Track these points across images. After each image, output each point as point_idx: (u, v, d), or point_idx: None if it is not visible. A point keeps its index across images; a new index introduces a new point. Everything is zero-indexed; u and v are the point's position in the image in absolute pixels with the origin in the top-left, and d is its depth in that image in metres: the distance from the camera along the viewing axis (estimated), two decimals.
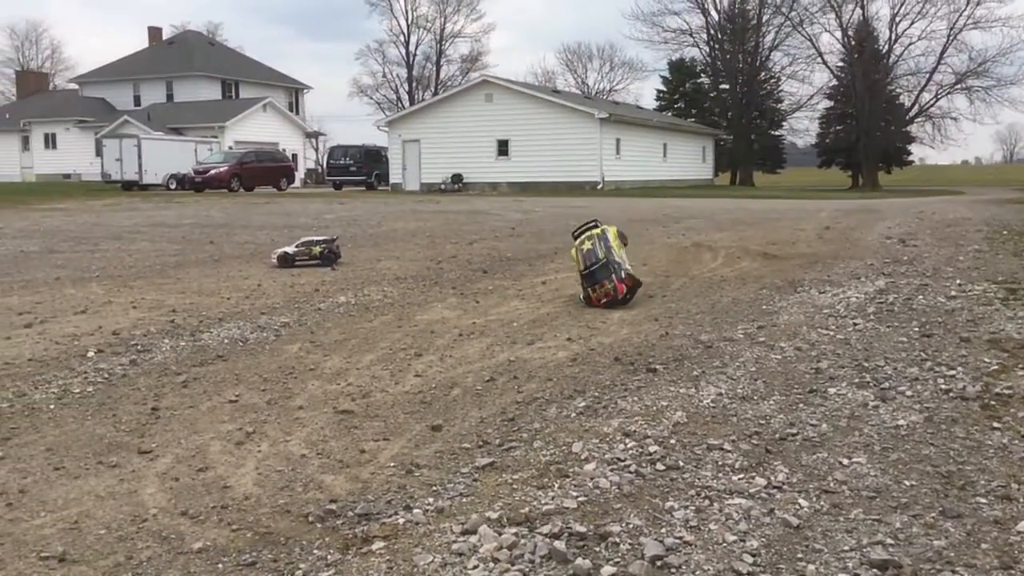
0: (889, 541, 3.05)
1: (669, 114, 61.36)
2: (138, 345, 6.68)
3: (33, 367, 6.05)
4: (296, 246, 11.66)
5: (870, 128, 52.61)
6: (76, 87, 65.10)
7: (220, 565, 3.07)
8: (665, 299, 8.34)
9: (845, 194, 39.43)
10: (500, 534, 3.17)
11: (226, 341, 6.85)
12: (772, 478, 3.65)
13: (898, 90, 57.13)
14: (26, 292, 9.43)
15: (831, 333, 6.47)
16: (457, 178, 41.23)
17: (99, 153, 45.69)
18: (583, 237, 8.01)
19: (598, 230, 8.00)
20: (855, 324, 6.76)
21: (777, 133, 64.98)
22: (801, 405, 4.70)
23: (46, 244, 14.49)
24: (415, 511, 3.46)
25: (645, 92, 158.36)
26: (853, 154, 55.58)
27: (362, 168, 45.16)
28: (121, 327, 7.35)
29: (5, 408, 5.10)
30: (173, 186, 39.81)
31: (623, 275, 7.75)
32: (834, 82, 58.40)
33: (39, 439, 4.56)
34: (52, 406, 5.15)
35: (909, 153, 61.12)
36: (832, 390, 4.94)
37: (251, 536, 3.32)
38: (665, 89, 66.89)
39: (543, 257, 12.13)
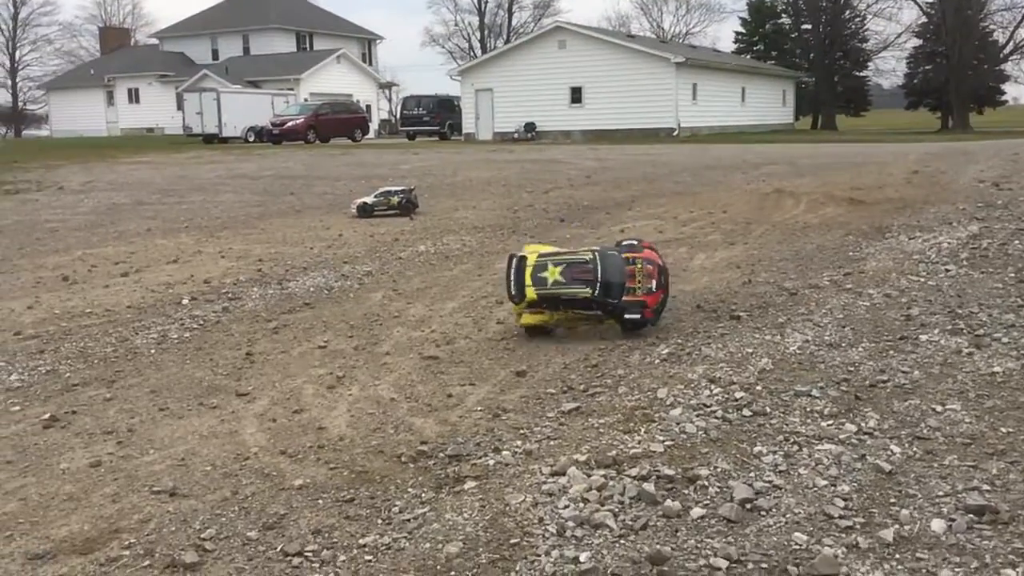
0: (985, 487, 3.00)
1: (748, 57, 59.59)
2: (229, 293, 6.91)
3: (132, 314, 6.32)
4: (375, 196, 11.81)
5: (961, 67, 50.28)
6: (156, 42, 66.39)
7: (320, 501, 3.20)
8: (747, 246, 8.22)
9: (934, 136, 37.94)
10: (589, 476, 3.22)
11: (312, 289, 7.02)
12: (863, 424, 3.61)
13: (992, 26, 54.30)
14: (120, 243, 9.80)
15: (922, 279, 6.30)
16: (530, 127, 40.97)
17: (180, 107, 46.66)
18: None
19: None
20: (947, 270, 6.57)
21: (862, 74, 62.55)
22: (891, 352, 4.61)
23: (135, 196, 14.97)
24: (504, 453, 3.54)
25: (723, 35, 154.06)
26: (942, 95, 53.26)
27: (435, 118, 45.18)
28: (212, 276, 7.59)
29: (109, 352, 5.35)
30: (251, 139, 40.51)
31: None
32: (923, 19, 55.81)
33: (142, 382, 4.78)
34: (153, 351, 5.38)
35: (1003, 93, 58.29)
36: (924, 337, 4.83)
37: (348, 474, 3.44)
38: (744, 31, 64.86)
39: (620, 205, 12.03)
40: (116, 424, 4.12)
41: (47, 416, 4.21)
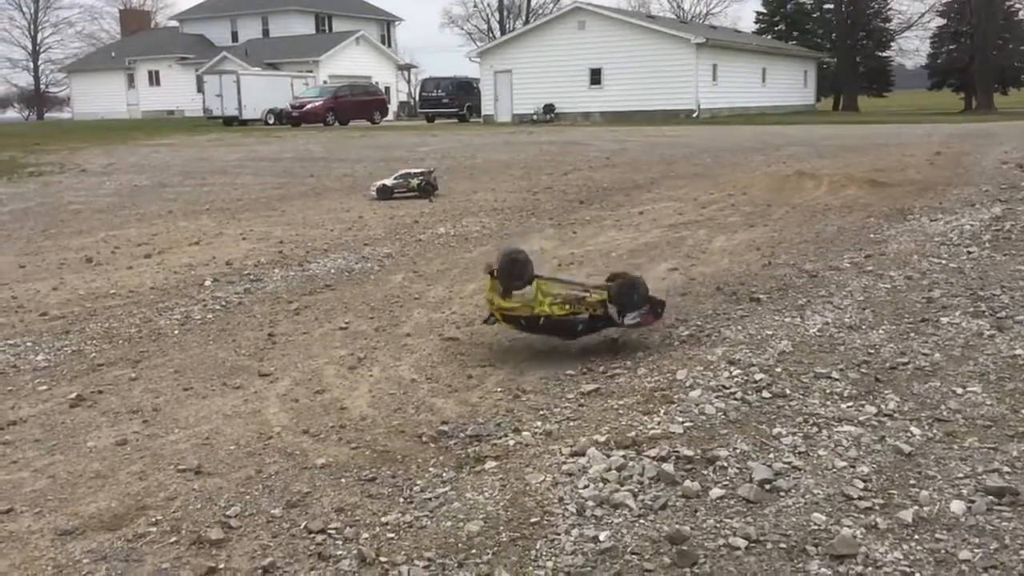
0: (1006, 469, 3.00)
1: (769, 37, 58.97)
2: (251, 275, 6.96)
3: (155, 295, 6.39)
4: (394, 178, 11.83)
5: (986, 47, 49.54)
6: (176, 24, 66.56)
7: (343, 480, 3.24)
8: (767, 228, 8.18)
9: (957, 117, 37.49)
10: (608, 456, 3.24)
11: (333, 271, 7.07)
12: (883, 406, 3.61)
13: (1017, 5, 53.40)
14: (143, 225, 9.88)
15: (943, 262, 6.26)
16: (549, 108, 40.81)
17: (200, 89, 46.87)
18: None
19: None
20: (969, 252, 6.52)
21: (884, 54, 61.74)
22: (912, 334, 4.60)
23: (156, 179, 15.07)
24: (524, 433, 3.57)
25: (744, 15, 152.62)
26: (967, 75, 52.54)
27: (454, 100, 45.08)
28: (233, 258, 7.65)
29: (134, 333, 5.42)
30: (271, 121, 40.63)
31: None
32: None
33: (167, 362, 4.84)
34: (176, 331, 5.45)
35: None
36: (945, 319, 4.81)
37: (370, 454, 3.49)
38: (765, 11, 64.12)
39: (639, 187, 12.00)
40: (141, 403, 4.18)
41: (74, 395, 4.28)
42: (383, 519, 2.89)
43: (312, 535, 2.81)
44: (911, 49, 65.65)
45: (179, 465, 3.42)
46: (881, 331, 4.68)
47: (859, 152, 16.29)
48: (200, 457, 3.48)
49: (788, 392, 3.83)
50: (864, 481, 2.96)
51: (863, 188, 10.70)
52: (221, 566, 2.65)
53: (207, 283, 6.69)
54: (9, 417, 4.04)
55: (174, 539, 2.83)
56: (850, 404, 3.66)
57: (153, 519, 2.97)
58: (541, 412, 3.82)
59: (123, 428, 3.86)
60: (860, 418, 3.50)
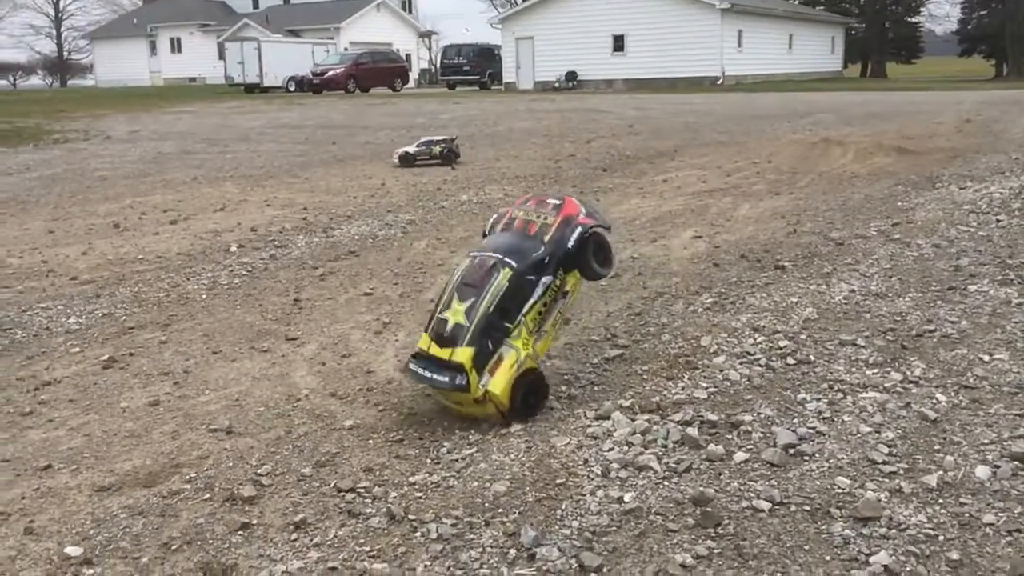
0: None
1: (796, 2, 58.05)
2: (275, 241, 7.01)
3: (182, 260, 6.46)
4: (416, 146, 11.83)
5: (1018, 11, 48.54)
6: None
7: (371, 441, 3.30)
8: (793, 196, 8.13)
9: (988, 84, 36.84)
10: (633, 420, 3.27)
11: (356, 237, 7.11)
12: (908, 373, 3.61)
13: None
14: (168, 191, 9.96)
15: (972, 230, 6.20)
16: (571, 76, 40.48)
17: (222, 56, 46.76)
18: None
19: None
20: (998, 220, 6.46)
21: (913, 20, 60.66)
22: (939, 302, 4.58)
23: (180, 145, 15.14)
24: (548, 397, 3.60)
25: None
26: (998, 41, 51.55)
27: (475, 67, 44.77)
28: (258, 224, 7.70)
29: (163, 297, 5.49)
30: (292, 88, 40.58)
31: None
32: None
33: (195, 326, 4.91)
34: (204, 296, 5.51)
35: None
36: (972, 287, 4.78)
37: (396, 416, 3.54)
38: None
39: (663, 155, 11.93)
40: (172, 366, 4.25)
41: (106, 357, 4.36)
42: (411, 479, 2.94)
43: (342, 493, 2.86)
44: (941, 15, 64.69)
45: (210, 425, 3.49)
46: (908, 299, 4.66)
47: (887, 119, 16.08)
48: (231, 418, 3.54)
49: (813, 359, 3.84)
50: (889, 446, 2.97)
51: (891, 156, 10.58)
52: (254, 521, 2.71)
53: (233, 249, 6.75)
54: (44, 378, 4.12)
55: (207, 496, 2.90)
56: (875, 371, 3.66)
57: (187, 477, 3.04)
58: (565, 377, 3.85)
59: (155, 389, 3.94)
60: (885, 384, 3.50)
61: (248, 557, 2.51)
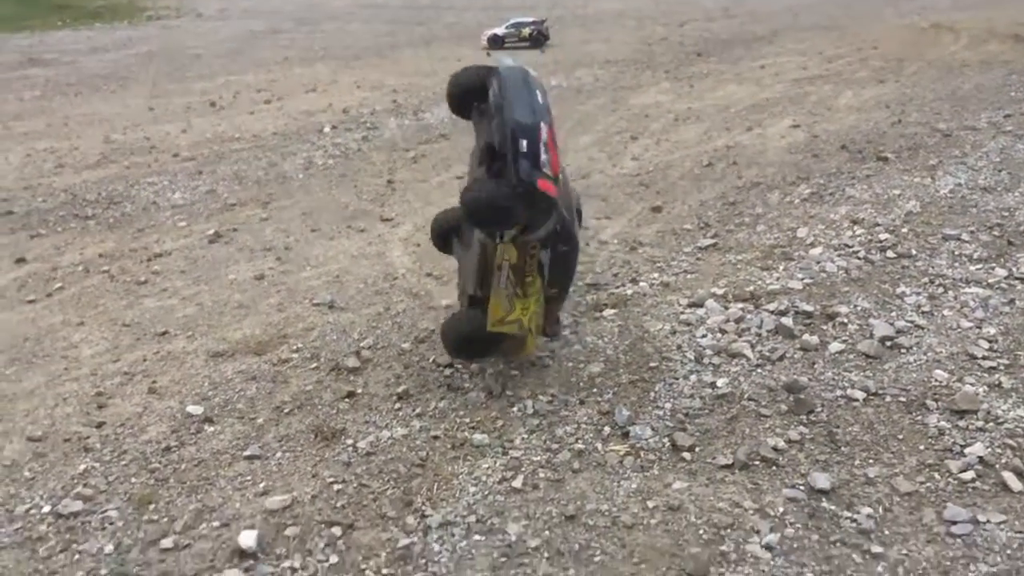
0: None
1: None
2: (367, 123, 7.07)
3: (278, 140, 6.59)
4: (505, 28, 11.62)
5: None
6: None
7: None
8: (898, 84, 7.76)
9: None
10: (727, 308, 3.28)
11: (446, 120, 7.10)
12: (1014, 269, 3.50)
13: None
14: (260, 71, 10.07)
15: None
16: None
17: None
18: None
19: None
20: None
21: None
22: None
23: (270, 24, 15.19)
24: (641, 284, 3.62)
25: None
26: None
27: None
28: (349, 105, 7.76)
29: (261, 176, 5.64)
30: None
31: None
32: None
33: (294, 204, 5.04)
34: (300, 176, 5.64)
35: None
36: None
37: None
38: None
39: (760, 40, 11.45)
40: (273, 242, 4.40)
41: (211, 232, 4.53)
42: (507, 358, 3.03)
43: (440, 368, 2.98)
44: None
45: (313, 300, 3.63)
46: (1017, 194, 4.48)
47: (1002, 5, 15.03)
48: (332, 293, 3.68)
49: (914, 253, 3.75)
50: (989, 342, 2.92)
51: (1005, 43, 9.94)
52: (359, 391, 2.85)
53: (326, 130, 6.84)
54: (155, 250, 4.33)
55: (315, 365, 3.05)
56: (979, 266, 3.57)
57: (294, 347, 3.20)
58: (658, 264, 3.85)
59: (259, 264, 4.10)
60: (989, 280, 3.41)
61: (355, 423, 2.66)
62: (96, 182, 5.56)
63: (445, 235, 3.11)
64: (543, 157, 2.61)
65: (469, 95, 3.06)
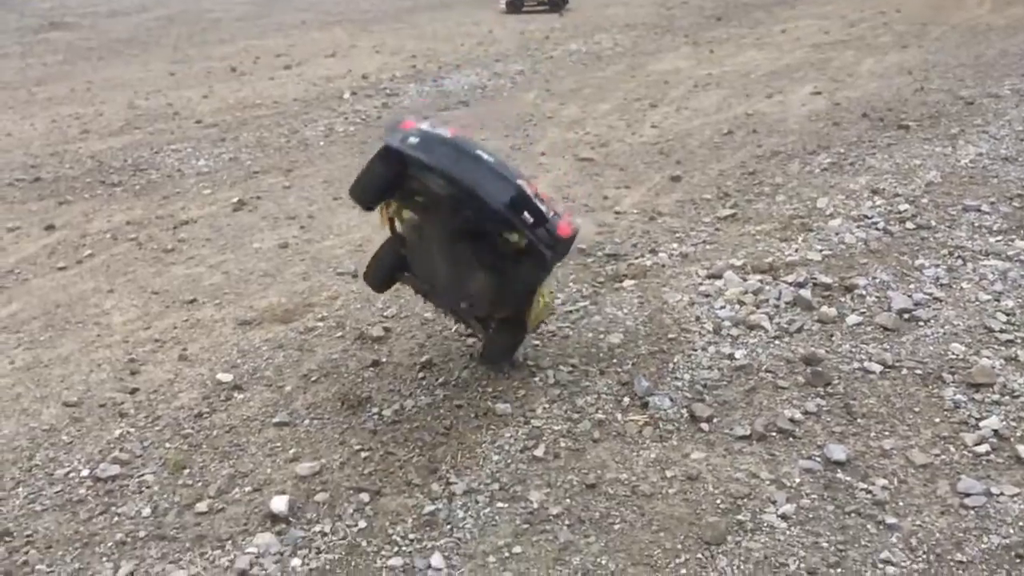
0: None
1: None
2: (387, 89, 7.08)
3: (299, 106, 6.62)
4: None
5: None
6: None
7: None
8: (921, 50, 7.67)
9: None
10: (745, 280, 3.32)
11: (466, 87, 7.10)
12: None
13: None
14: (279, 35, 10.06)
15: None
16: None
17: None
18: None
19: None
20: None
21: None
22: None
23: None
24: (660, 254, 3.66)
25: None
26: None
27: None
28: (368, 71, 7.76)
29: (283, 143, 5.68)
30: None
31: None
32: None
33: (316, 172, 5.09)
34: (321, 143, 5.68)
35: None
36: None
37: None
38: None
39: (782, 3, 11.30)
40: (296, 210, 4.45)
41: (235, 200, 4.59)
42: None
43: (463, 338, 3.04)
44: None
45: (337, 268, 3.69)
46: None
47: None
48: (355, 262, 3.73)
49: (934, 224, 3.77)
50: (1007, 315, 2.95)
51: None
52: (384, 360, 2.92)
53: (346, 96, 6.86)
54: (181, 217, 4.39)
55: (340, 334, 3.11)
56: (999, 238, 3.58)
57: (319, 315, 3.26)
58: (677, 234, 3.88)
59: (283, 232, 4.16)
60: (1008, 253, 3.43)
61: (380, 391, 2.73)
62: (121, 148, 5.62)
63: (390, 275, 2.83)
64: (543, 209, 2.37)
65: (387, 196, 2.62)
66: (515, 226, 2.34)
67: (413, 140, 2.41)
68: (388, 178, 2.51)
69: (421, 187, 2.48)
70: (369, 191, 2.59)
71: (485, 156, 2.42)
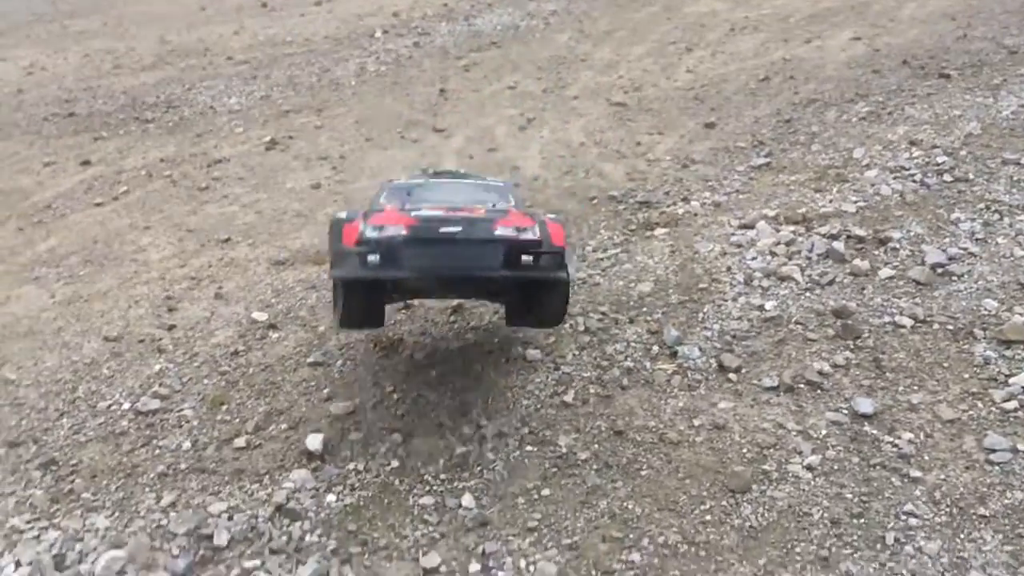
0: None
1: None
2: (418, 28, 7.01)
3: (330, 45, 6.58)
4: None
5: None
6: None
7: None
8: None
9: None
10: (778, 231, 3.30)
11: (499, 27, 7.01)
12: None
13: None
14: None
15: None
16: None
17: None
18: None
19: None
20: None
21: None
22: None
23: None
24: (693, 203, 3.64)
25: None
26: None
27: None
28: (400, 9, 7.68)
29: (314, 82, 5.67)
30: None
31: None
32: None
33: (347, 112, 5.08)
34: (353, 83, 5.66)
35: None
36: None
37: (543, 213, 3.66)
38: None
39: None
40: (328, 151, 4.46)
41: (268, 139, 4.61)
42: None
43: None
44: None
45: None
46: None
47: None
48: None
49: (971, 177, 3.71)
50: None
51: None
52: (415, 303, 2.95)
53: (377, 35, 6.80)
54: (214, 156, 4.42)
55: None
56: None
57: None
58: (710, 183, 3.86)
59: (315, 172, 4.18)
60: None
61: (412, 335, 2.77)
62: (154, 84, 5.64)
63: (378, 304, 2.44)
64: (533, 236, 2.23)
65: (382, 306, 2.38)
66: (520, 278, 2.23)
67: (373, 260, 2.13)
68: (370, 300, 2.32)
69: (412, 280, 2.29)
70: (363, 319, 2.38)
71: (453, 226, 2.16)
